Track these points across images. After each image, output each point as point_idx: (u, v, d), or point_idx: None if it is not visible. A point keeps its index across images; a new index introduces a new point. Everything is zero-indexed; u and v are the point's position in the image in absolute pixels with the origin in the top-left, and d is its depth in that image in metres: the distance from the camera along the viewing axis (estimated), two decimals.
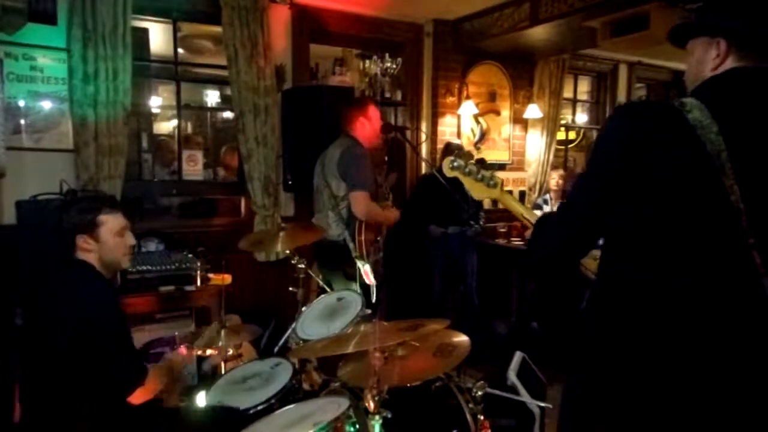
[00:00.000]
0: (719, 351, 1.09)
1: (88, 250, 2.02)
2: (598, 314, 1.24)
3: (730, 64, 1.15)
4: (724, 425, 1.10)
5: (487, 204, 5.11)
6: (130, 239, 2.14)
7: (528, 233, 1.45)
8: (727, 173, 1.04)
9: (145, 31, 4.14)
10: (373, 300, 3.30)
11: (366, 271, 3.28)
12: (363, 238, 3.30)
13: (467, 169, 1.50)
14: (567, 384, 1.36)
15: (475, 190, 1.52)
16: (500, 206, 4.73)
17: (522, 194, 5.67)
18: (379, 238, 3.50)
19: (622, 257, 1.18)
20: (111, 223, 2.04)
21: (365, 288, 3.23)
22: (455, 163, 1.51)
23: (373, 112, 3.44)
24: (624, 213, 1.14)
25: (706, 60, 1.18)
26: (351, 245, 3.25)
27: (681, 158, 1.09)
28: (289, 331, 2.71)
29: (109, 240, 2.04)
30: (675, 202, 1.09)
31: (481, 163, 4.24)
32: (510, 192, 1.53)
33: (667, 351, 1.12)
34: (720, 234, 1.07)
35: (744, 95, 1.13)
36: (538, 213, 1.55)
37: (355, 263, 3.26)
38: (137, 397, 1.96)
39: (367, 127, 3.39)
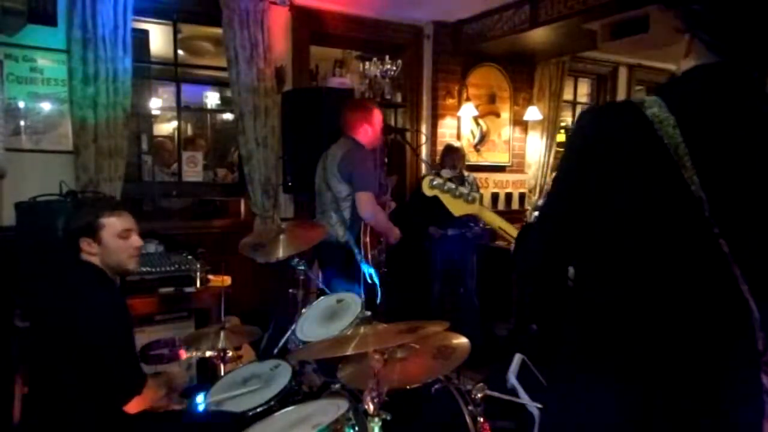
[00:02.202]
0: (693, 344, 1.09)
1: (91, 253, 2.01)
2: (568, 313, 1.25)
3: (693, 61, 1.16)
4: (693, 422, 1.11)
5: (487, 206, 5.11)
6: (136, 241, 2.11)
7: (511, 246, 1.46)
8: (686, 165, 1.05)
9: (145, 32, 4.15)
10: (378, 301, 3.30)
11: (370, 273, 3.28)
12: (368, 240, 3.30)
13: (445, 187, 1.53)
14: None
15: (454, 206, 1.55)
16: (500, 208, 4.72)
17: (522, 196, 5.67)
18: (382, 239, 3.50)
19: (589, 256, 1.19)
20: (113, 225, 2.03)
21: (368, 289, 3.23)
22: (434, 182, 1.53)
23: (377, 118, 3.44)
24: (591, 210, 1.15)
25: (683, 51, 1.20)
26: (355, 248, 3.25)
27: (639, 152, 1.10)
28: (288, 333, 2.71)
29: (112, 242, 2.03)
30: (636, 196, 1.11)
31: (460, 179, 4.27)
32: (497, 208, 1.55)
33: (637, 345, 1.12)
34: (683, 224, 1.08)
35: (702, 89, 1.14)
36: (536, 214, 1.57)
37: (358, 264, 3.26)
38: (133, 406, 1.95)
39: (369, 132, 3.39)
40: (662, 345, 1.10)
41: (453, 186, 1.52)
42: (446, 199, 1.53)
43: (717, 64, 1.13)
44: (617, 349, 1.14)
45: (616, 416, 1.14)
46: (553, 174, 5.45)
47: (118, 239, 2.04)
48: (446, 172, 1.57)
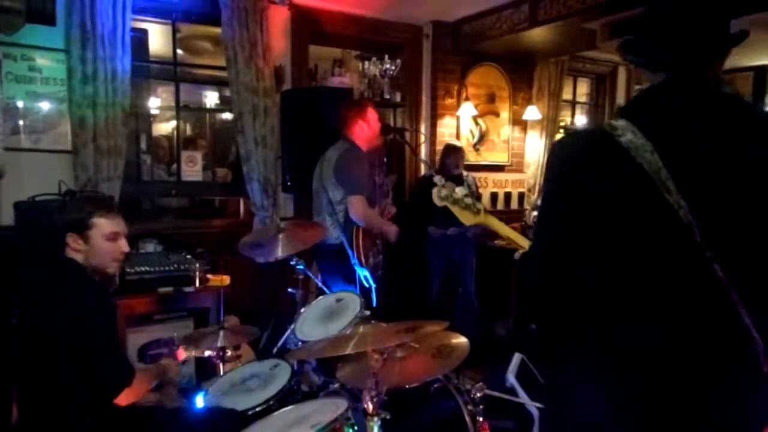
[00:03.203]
0: (695, 373, 1.06)
1: (76, 250, 1.99)
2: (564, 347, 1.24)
3: (649, 79, 1.19)
4: None
5: (486, 206, 5.11)
6: (124, 246, 2.08)
7: (517, 254, 1.50)
8: (671, 190, 1.04)
9: (144, 32, 4.14)
10: (374, 304, 3.29)
11: (365, 276, 3.27)
12: (361, 242, 3.29)
13: (452, 198, 1.59)
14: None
15: (463, 217, 1.61)
16: (499, 207, 4.72)
17: (521, 196, 5.67)
18: (378, 241, 3.50)
19: (584, 286, 1.17)
20: (103, 226, 2.00)
21: (365, 292, 3.23)
22: (442, 193, 1.59)
23: (372, 114, 3.43)
24: (579, 237, 1.15)
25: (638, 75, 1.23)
26: (350, 251, 3.25)
27: (620, 182, 1.09)
28: (287, 333, 2.71)
29: (99, 243, 2.00)
30: (623, 227, 1.09)
31: (458, 179, 4.28)
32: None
33: (636, 376, 1.10)
34: (675, 252, 1.06)
35: (670, 109, 1.13)
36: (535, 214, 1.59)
37: (354, 267, 3.26)
38: (123, 399, 1.94)
39: (365, 130, 3.38)
40: (662, 376, 1.08)
41: (460, 197, 1.58)
42: (456, 211, 1.60)
43: (670, 80, 1.14)
44: (616, 387, 1.12)
45: None
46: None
47: (105, 241, 2.01)
48: (438, 179, 1.62)
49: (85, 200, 2.15)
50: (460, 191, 1.60)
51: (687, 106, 1.12)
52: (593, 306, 1.16)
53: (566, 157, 1.20)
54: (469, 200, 1.58)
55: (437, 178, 1.62)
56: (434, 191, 1.60)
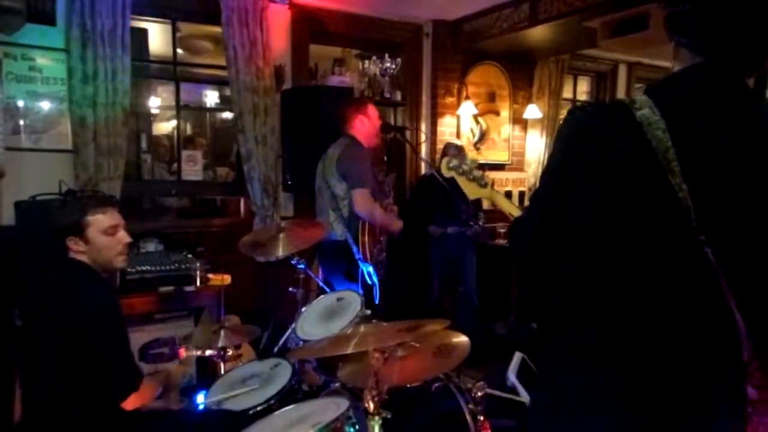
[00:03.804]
0: (677, 353, 1.07)
1: (80, 252, 2.00)
2: (551, 314, 1.24)
3: (685, 61, 1.15)
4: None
5: (486, 204, 5.10)
6: (124, 237, 2.08)
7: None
8: (674, 171, 1.03)
9: (144, 31, 4.15)
10: (377, 301, 3.29)
11: (369, 272, 3.27)
12: (366, 239, 3.29)
13: (461, 169, 1.58)
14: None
15: (469, 188, 1.59)
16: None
17: (522, 194, 5.67)
18: (382, 238, 3.49)
19: (574, 255, 1.18)
20: (99, 222, 2.00)
21: (368, 289, 3.23)
22: (452, 163, 1.58)
23: (372, 110, 3.44)
24: (574, 209, 1.15)
25: (672, 55, 1.20)
26: (354, 247, 3.24)
27: (626, 154, 1.09)
28: (288, 332, 2.71)
29: (99, 240, 2.00)
30: (622, 200, 1.10)
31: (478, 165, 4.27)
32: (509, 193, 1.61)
33: (620, 353, 1.10)
34: (669, 231, 1.06)
35: (694, 93, 1.12)
36: None
37: (357, 263, 3.25)
38: (130, 403, 1.94)
39: (366, 124, 3.39)
40: (646, 353, 1.08)
41: (468, 168, 1.57)
42: (462, 181, 1.58)
43: (705, 65, 1.11)
44: (599, 358, 1.12)
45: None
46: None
47: (104, 236, 2.01)
48: (451, 149, 1.61)
49: (74, 201, 2.14)
50: (470, 162, 1.59)
51: (710, 95, 1.11)
52: (578, 282, 1.16)
53: (576, 126, 1.19)
54: (478, 173, 1.57)
55: (451, 149, 1.62)
56: (444, 161, 1.59)
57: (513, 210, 1.55)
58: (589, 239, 1.14)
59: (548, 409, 1.23)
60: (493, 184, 1.60)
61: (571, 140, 1.18)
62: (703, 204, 1.03)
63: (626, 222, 1.09)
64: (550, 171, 1.25)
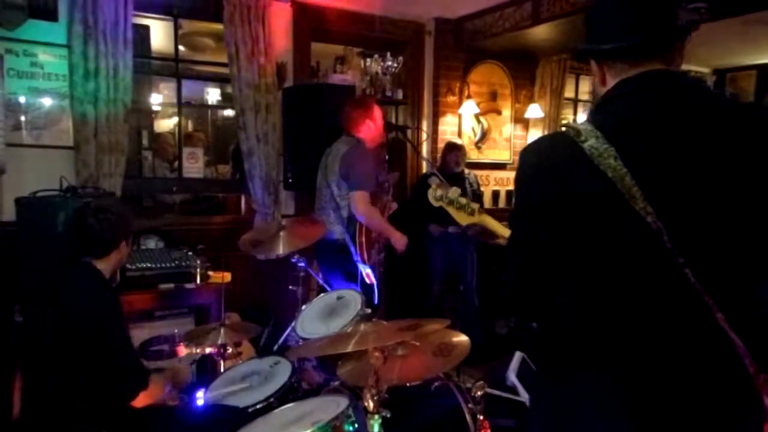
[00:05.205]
0: (677, 380, 1.05)
1: (123, 254, 2.15)
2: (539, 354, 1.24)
3: (611, 79, 1.15)
4: None
5: (487, 204, 5.11)
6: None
7: None
8: (636, 196, 1.01)
9: (146, 28, 4.14)
10: (376, 301, 3.28)
11: (367, 272, 3.27)
12: (364, 239, 3.28)
13: (447, 199, 1.62)
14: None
15: (459, 216, 1.64)
16: (501, 205, 4.69)
17: None
18: (381, 239, 3.48)
19: (560, 298, 1.15)
20: (122, 250, 2.17)
21: (366, 288, 3.22)
22: (437, 194, 1.64)
23: (377, 112, 3.43)
24: (552, 252, 1.12)
25: (597, 79, 1.19)
26: (352, 247, 3.24)
27: (585, 189, 1.06)
28: (288, 330, 2.71)
29: (114, 261, 2.15)
30: (591, 237, 1.07)
31: (460, 177, 4.27)
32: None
33: (619, 386, 1.08)
34: (646, 259, 1.03)
35: (631, 108, 1.10)
36: None
37: (356, 263, 3.25)
38: (140, 401, 1.97)
39: (372, 128, 3.38)
40: (646, 385, 1.05)
41: (454, 198, 1.61)
42: (451, 211, 1.64)
43: (637, 76, 1.11)
44: (597, 393, 1.10)
45: None
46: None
47: (120, 259, 2.18)
48: (432, 180, 1.67)
49: (129, 204, 2.22)
50: (453, 192, 1.62)
51: (653, 106, 1.08)
52: (569, 318, 1.14)
53: (529, 167, 1.17)
54: (463, 200, 1.61)
55: (432, 179, 1.66)
56: (429, 192, 1.64)
57: (505, 232, 1.57)
58: (571, 277, 1.11)
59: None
60: (480, 211, 1.64)
61: (530, 182, 1.16)
62: (674, 224, 1.00)
63: (601, 253, 1.07)
64: (516, 217, 1.22)
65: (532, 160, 1.18)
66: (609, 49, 1.14)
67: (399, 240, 3.33)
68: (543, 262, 1.14)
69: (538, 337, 1.23)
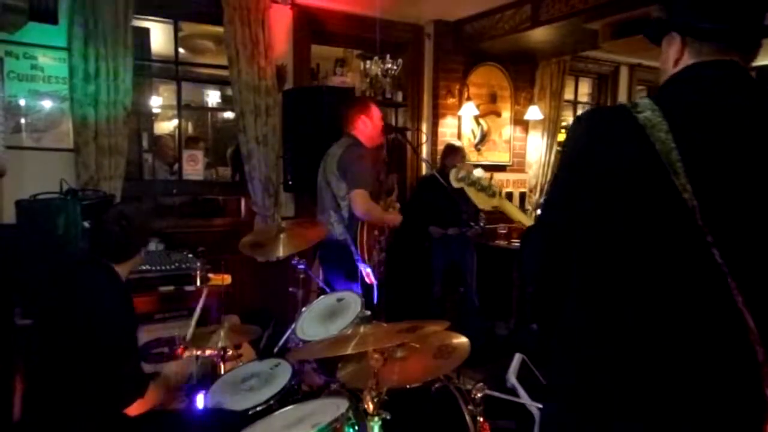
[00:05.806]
0: (687, 356, 1.06)
1: (138, 261, 2.21)
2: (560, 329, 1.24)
3: (687, 59, 1.14)
4: None
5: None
6: None
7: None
8: (678, 171, 1.03)
9: (146, 30, 4.14)
10: (375, 301, 3.29)
11: (368, 272, 3.27)
12: (365, 239, 3.29)
13: (470, 179, 1.58)
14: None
15: (478, 198, 1.60)
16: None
17: (522, 196, 5.67)
18: (382, 239, 3.49)
19: (585, 263, 1.17)
20: (137, 259, 2.24)
21: (367, 289, 3.22)
22: (460, 174, 1.59)
23: (375, 111, 3.44)
24: (586, 218, 1.15)
25: (669, 57, 1.18)
26: (353, 247, 3.24)
27: (629, 158, 1.09)
28: (288, 332, 2.71)
29: (128, 267, 2.18)
30: (628, 204, 1.09)
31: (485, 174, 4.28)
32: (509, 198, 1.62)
33: (629, 358, 1.10)
34: (675, 233, 1.06)
35: (697, 92, 1.12)
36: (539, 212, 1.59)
37: (357, 263, 3.25)
38: (135, 408, 1.95)
39: (368, 125, 3.39)
40: (656, 357, 1.07)
41: (476, 179, 1.58)
42: (471, 192, 1.59)
43: (713, 62, 1.11)
44: (610, 362, 1.12)
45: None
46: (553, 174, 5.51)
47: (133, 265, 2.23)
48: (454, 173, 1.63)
49: (133, 235, 2.14)
50: (477, 172, 1.60)
51: (718, 95, 1.10)
52: (590, 286, 1.16)
53: (581, 134, 1.19)
54: (485, 182, 1.58)
55: (457, 169, 1.62)
56: (452, 172, 1.60)
57: (523, 219, 1.56)
58: (605, 248, 1.13)
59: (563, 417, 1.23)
60: (501, 193, 1.61)
61: (580, 144, 1.18)
62: (708, 204, 1.03)
63: (633, 225, 1.09)
64: (558, 185, 1.24)
65: (586, 123, 1.21)
66: (709, 29, 1.11)
67: (394, 219, 3.43)
68: (573, 226, 1.16)
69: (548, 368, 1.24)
